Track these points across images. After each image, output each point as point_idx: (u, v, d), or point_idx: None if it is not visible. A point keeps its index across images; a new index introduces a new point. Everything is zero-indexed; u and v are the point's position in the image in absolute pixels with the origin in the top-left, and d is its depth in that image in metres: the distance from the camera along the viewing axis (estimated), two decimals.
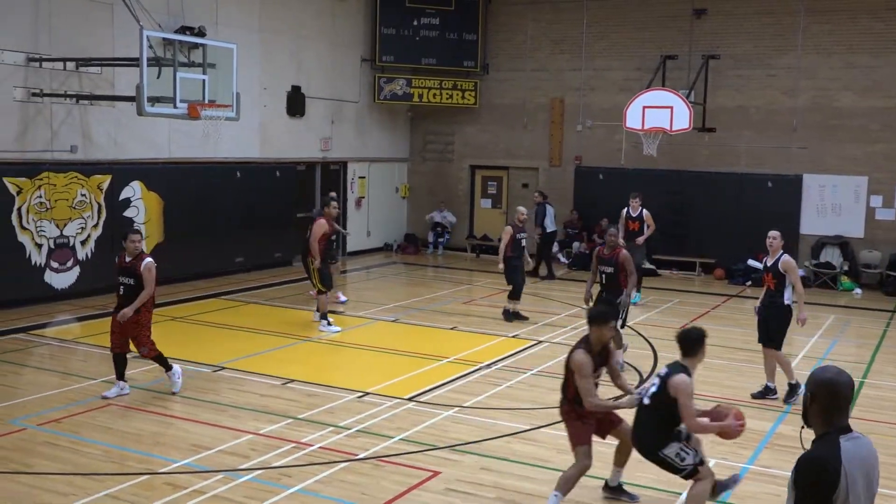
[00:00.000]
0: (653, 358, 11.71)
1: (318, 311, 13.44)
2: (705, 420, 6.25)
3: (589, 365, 6.57)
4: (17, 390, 9.65)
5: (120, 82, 15.01)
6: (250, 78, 17.48)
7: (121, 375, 9.42)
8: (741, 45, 19.55)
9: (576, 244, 20.90)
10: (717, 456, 7.93)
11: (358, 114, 21.57)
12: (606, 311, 6.97)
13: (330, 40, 20.38)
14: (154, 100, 12.93)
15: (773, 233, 10.04)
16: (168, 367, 9.56)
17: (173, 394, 9.49)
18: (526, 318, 14.06)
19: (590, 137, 21.26)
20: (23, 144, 13.84)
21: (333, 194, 14.11)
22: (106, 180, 15.15)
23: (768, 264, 10.05)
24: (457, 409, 9.34)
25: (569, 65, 21.39)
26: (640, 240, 15.52)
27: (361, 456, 7.81)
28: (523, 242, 14.12)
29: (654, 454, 6.36)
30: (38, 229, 14.01)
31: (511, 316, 14.03)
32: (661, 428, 6.31)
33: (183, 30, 15.72)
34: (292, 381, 10.23)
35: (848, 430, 3.47)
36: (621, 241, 14.87)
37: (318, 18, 20.00)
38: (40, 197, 14.03)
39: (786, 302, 9.89)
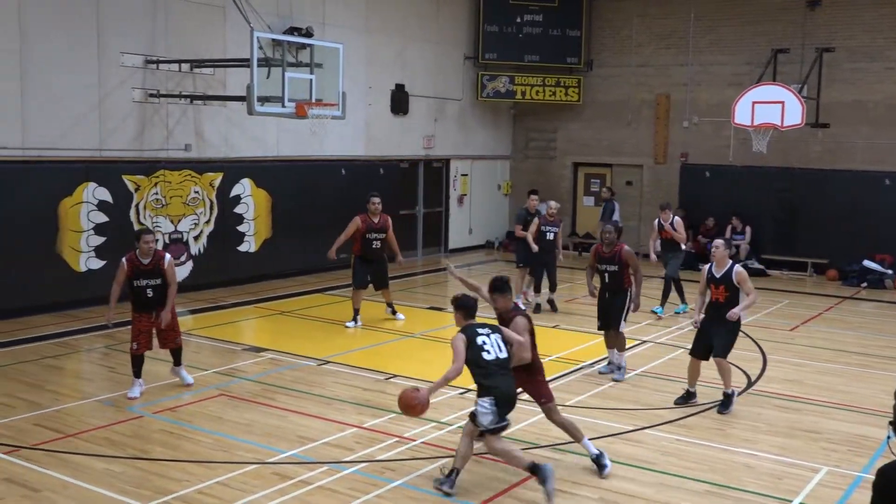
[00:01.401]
0: (761, 361, 11.40)
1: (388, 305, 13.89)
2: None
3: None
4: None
5: (231, 82, 15.48)
6: (356, 77, 17.77)
7: (139, 373, 9.44)
8: (857, 38, 18.79)
9: None
10: (831, 463, 7.69)
11: (461, 111, 21.67)
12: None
13: (434, 39, 20.53)
14: (263, 99, 13.25)
15: (718, 241, 9.32)
16: (179, 363, 9.78)
17: (188, 385, 9.67)
18: (538, 307, 14.42)
19: (696, 134, 20.82)
20: (140, 143, 14.43)
21: (375, 193, 13.77)
22: (218, 178, 15.66)
23: (716, 276, 9.19)
24: (558, 408, 9.27)
25: (675, 60, 20.99)
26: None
27: None
28: (549, 236, 14.39)
29: None
30: (154, 225, 14.58)
31: (538, 308, 14.39)
32: None
33: (291, 30, 16.12)
34: (395, 376, 10.36)
35: None
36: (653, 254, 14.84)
37: (423, 17, 20.17)
38: (156, 194, 14.60)
39: (739, 314, 9.15)
